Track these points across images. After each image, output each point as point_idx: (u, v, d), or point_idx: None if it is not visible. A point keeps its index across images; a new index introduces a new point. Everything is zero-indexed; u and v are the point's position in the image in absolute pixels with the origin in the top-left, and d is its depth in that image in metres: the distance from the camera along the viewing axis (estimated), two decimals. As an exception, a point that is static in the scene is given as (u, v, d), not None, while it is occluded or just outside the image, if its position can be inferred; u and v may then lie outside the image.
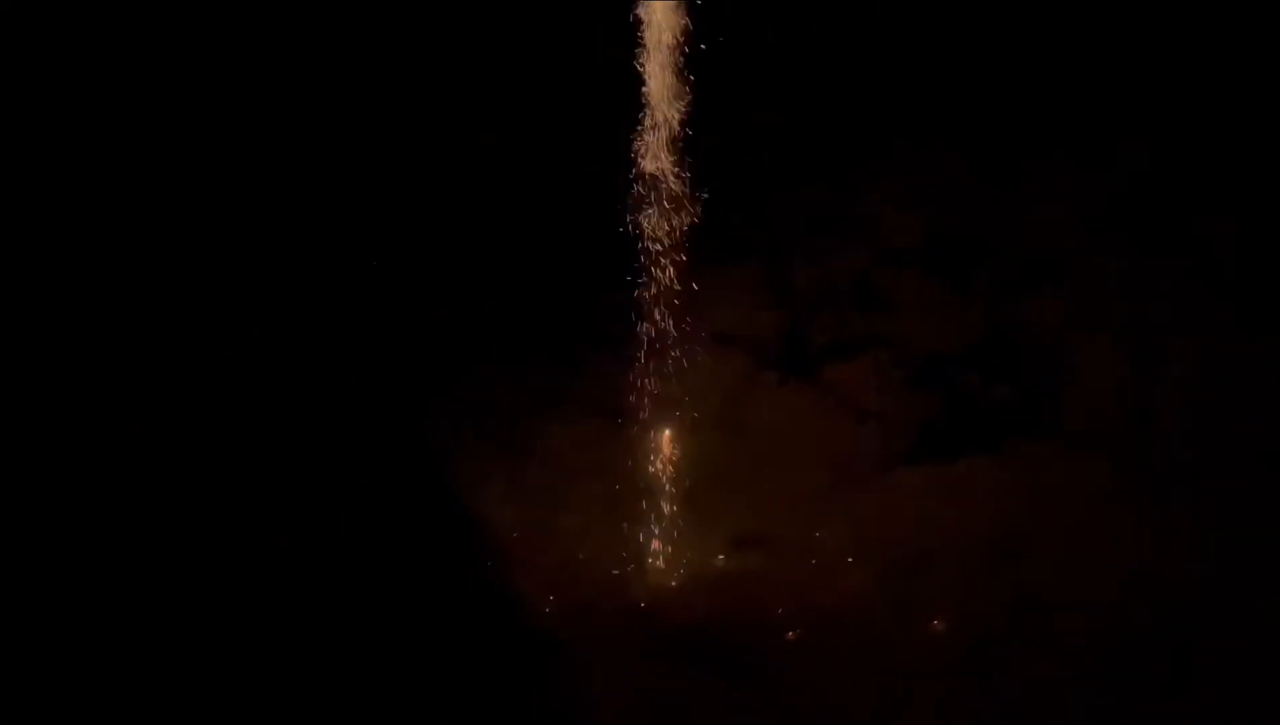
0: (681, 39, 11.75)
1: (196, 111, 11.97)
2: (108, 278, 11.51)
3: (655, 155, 12.09)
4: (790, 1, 12.85)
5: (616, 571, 12.41)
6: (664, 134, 12.07)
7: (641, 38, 11.72)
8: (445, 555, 11.10)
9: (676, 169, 12.16)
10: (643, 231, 12.14)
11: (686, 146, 12.10)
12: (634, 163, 12.09)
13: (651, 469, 12.82)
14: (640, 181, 12.12)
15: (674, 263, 12.33)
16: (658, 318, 12.51)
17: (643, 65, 11.81)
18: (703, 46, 11.73)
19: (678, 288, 12.40)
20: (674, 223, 12.23)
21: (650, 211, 12.15)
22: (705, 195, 12.22)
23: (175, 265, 11.74)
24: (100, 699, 10.06)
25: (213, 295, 11.80)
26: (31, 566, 10.20)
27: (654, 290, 12.41)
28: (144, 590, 10.30)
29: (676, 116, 12.01)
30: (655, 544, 12.61)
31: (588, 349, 12.81)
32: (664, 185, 12.18)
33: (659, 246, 12.28)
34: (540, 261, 12.70)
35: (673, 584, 12.48)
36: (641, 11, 11.66)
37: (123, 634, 10.19)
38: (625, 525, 12.76)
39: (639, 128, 12.02)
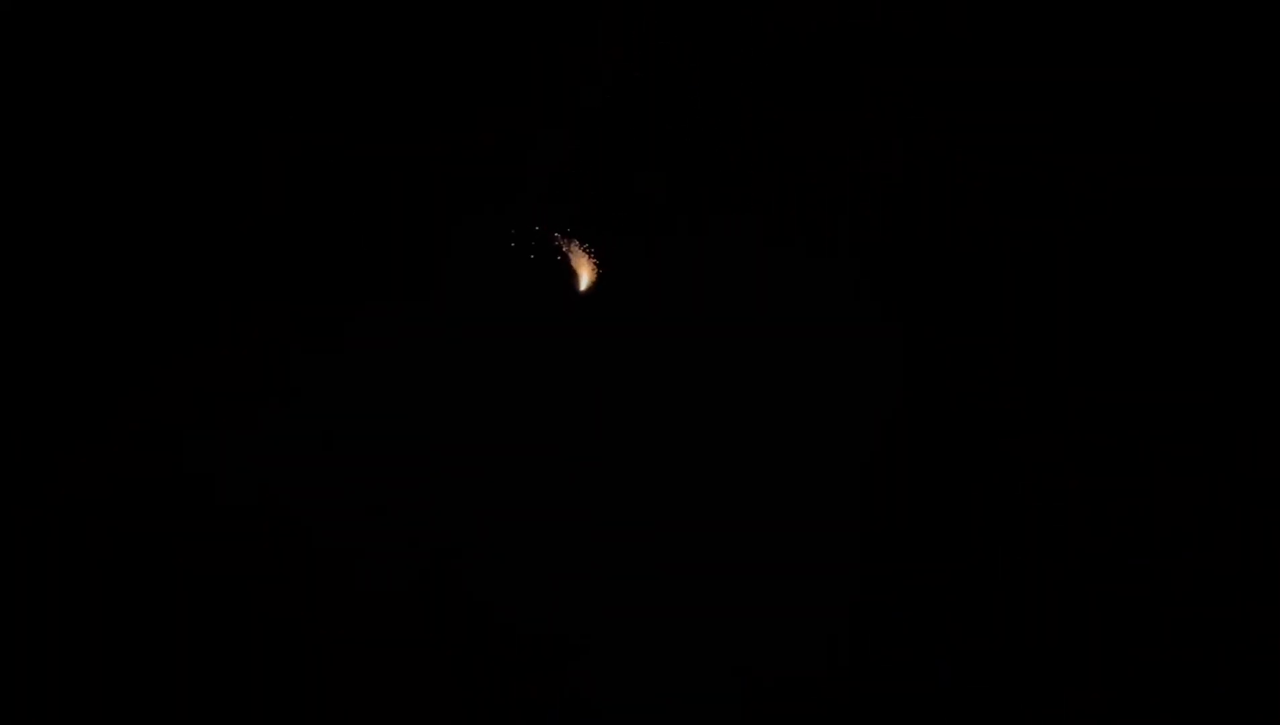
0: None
1: (196, 111, 12.06)
2: (108, 277, 11.57)
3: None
4: (790, 1, 12.92)
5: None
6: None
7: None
8: (445, 555, 11.16)
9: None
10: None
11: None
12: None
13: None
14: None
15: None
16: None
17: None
18: (702, 47, 11.84)
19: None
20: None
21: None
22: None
23: (175, 265, 11.81)
24: (100, 699, 10.13)
25: (213, 295, 11.86)
26: (31, 566, 10.28)
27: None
28: (144, 590, 10.36)
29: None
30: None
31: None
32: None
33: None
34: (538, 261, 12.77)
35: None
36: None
37: (123, 634, 10.25)
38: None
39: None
